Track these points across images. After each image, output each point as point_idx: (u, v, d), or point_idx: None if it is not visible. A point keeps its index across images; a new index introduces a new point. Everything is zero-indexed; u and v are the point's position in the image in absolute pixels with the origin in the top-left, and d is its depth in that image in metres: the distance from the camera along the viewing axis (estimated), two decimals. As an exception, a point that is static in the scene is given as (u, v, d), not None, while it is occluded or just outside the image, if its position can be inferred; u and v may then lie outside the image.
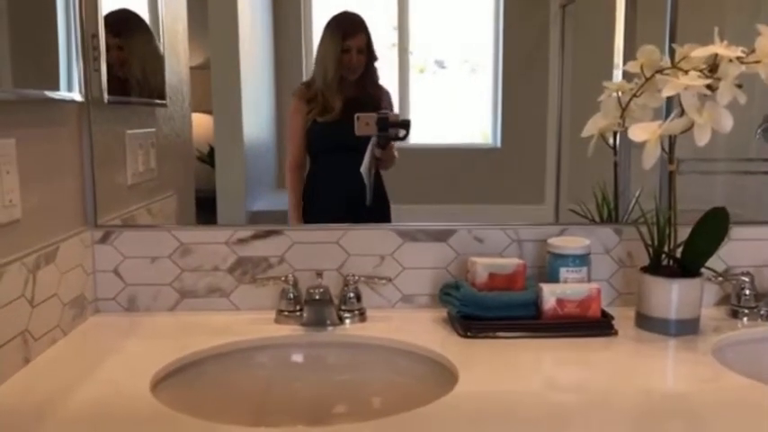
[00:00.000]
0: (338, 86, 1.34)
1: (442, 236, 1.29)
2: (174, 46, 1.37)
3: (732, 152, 1.43)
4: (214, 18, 1.38)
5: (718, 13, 1.45)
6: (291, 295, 1.21)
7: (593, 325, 1.15)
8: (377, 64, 1.36)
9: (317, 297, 1.14)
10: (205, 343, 1.11)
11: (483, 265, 1.20)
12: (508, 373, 1.02)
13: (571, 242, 1.23)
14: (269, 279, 1.23)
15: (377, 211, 1.38)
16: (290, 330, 1.17)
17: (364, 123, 1.32)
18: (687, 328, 1.16)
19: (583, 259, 1.22)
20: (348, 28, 1.34)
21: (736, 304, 1.26)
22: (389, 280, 1.26)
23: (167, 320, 1.24)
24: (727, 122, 1.09)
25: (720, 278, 1.24)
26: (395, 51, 1.42)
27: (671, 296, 1.15)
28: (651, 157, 1.12)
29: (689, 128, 1.11)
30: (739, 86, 1.12)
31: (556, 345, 1.12)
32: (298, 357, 1.16)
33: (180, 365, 1.06)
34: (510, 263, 1.22)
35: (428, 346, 1.10)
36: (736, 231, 1.31)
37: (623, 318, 1.21)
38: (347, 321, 1.20)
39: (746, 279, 1.25)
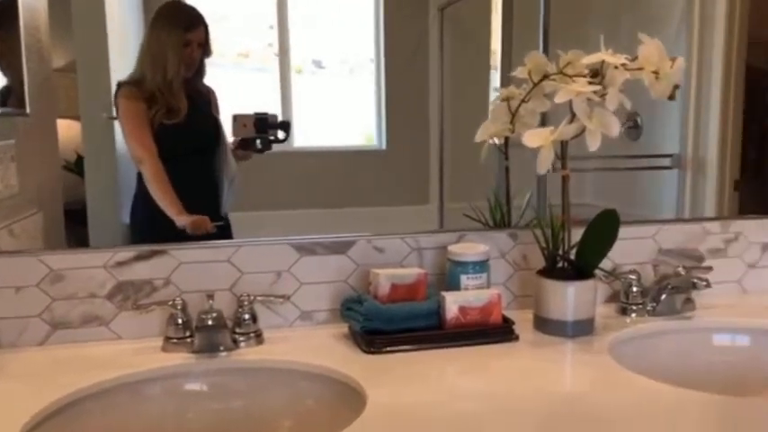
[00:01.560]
0: (179, 84, 1.22)
1: (340, 248, 1.25)
2: (33, 45, 1.23)
3: (599, 149, 1.47)
4: (78, 14, 1.24)
5: (585, 16, 1.49)
6: (180, 320, 1.12)
7: (496, 331, 1.15)
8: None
9: (210, 323, 1.06)
10: (85, 379, 1.00)
11: (385, 276, 1.16)
12: (417, 387, 0.99)
13: (470, 248, 1.22)
14: (154, 304, 1.13)
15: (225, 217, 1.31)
16: (180, 359, 1.08)
17: (241, 125, 1.25)
18: (583, 328, 1.18)
19: (482, 265, 1.21)
20: (189, 20, 1.23)
21: (624, 301, 1.30)
22: (286, 298, 1.20)
23: (37, 356, 1.11)
24: (615, 127, 1.12)
25: (611, 277, 1.28)
26: (270, 51, 1.35)
27: (567, 298, 1.17)
28: (546, 162, 1.13)
29: (580, 133, 1.13)
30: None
31: (460, 354, 1.11)
32: (191, 387, 1.07)
33: (57, 408, 0.94)
34: (411, 272, 1.19)
35: (330, 366, 1.05)
36: (621, 231, 1.36)
37: (521, 320, 1.22)
38: (242, 345, 1.13)
39: (633, 277, 1.30)
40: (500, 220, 1.40)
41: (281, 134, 1.28)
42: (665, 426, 0.89)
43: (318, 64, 1.37)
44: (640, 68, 1.12)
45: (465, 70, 1.46)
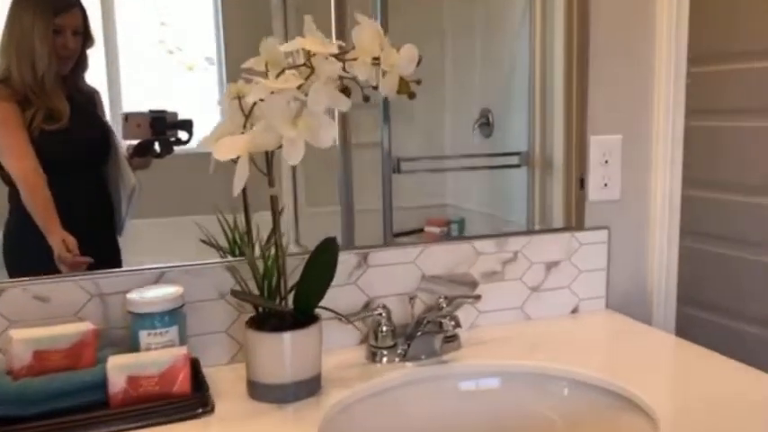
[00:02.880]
0: (54, 81, 1.00)
1: (-18, 299, 0.93)
2: None
3: (457, 149, 1.36)
4: None
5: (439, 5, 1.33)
6: None
7: (181, 406, 0.87)
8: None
9: None
10: None
11: (23, 342, 0.86)
12: None
13: (155, 294, 0.94)
14: None
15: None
16: None
17: (135, 125, 1.08)
18: (307, 389, 0.93)
19: (172, 316, 0.93)
20: (58, 1, 1.01)
21: (374, 344, 1.07)
22: None
23: None
24: (326, 135, 0.88)
25: (344, 319, 1.03)
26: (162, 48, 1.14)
27: (283, 354, 0.91)
28: (242, 177, 0.87)
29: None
30: (367, 87, 0.92)
31: (133, 439, 0.83)
32: None
33: None
34: (69, 332, 0.89)
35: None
36: (372, 257, 1.13)
37: (243, 380, 0.96)
38: None
39: (382, 313, 1.07)
40: (238, 249, 1.14)
41: (182, 135, 1.11)
42: None
43: (210, 61, 1.19)
44: (355, 59, 0.89)
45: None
